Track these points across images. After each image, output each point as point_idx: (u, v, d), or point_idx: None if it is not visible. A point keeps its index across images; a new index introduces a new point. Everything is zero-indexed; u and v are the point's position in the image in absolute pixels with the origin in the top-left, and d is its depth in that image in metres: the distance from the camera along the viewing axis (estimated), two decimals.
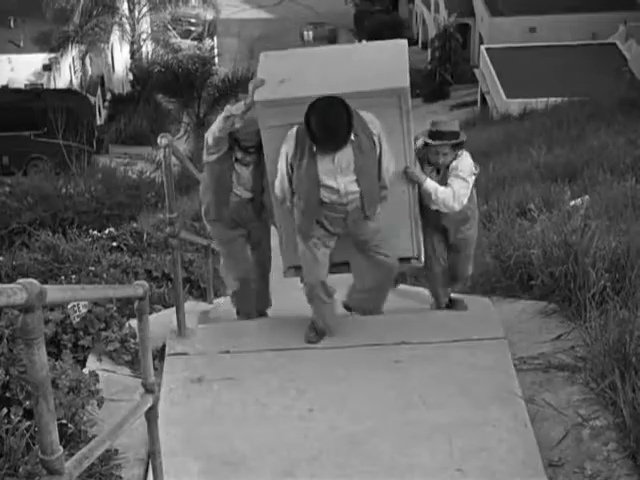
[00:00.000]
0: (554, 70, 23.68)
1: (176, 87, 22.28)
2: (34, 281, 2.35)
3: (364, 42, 5.61)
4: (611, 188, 8.83)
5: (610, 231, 6.05)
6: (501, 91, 24.50)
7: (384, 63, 4.71)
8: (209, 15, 35.36)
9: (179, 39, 31.63)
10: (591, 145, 12.72)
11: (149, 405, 3.51)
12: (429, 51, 33.06)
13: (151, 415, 3.57)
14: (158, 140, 4.78)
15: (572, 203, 7.68)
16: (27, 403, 3.88)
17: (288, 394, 4.59)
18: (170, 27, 32.09)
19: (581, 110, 17.13)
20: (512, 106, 22.69)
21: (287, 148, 4.51)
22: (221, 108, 24.14)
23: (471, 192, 5.12)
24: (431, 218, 5.17)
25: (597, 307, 5.03)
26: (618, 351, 4.42)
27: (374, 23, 37.62)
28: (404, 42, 4.95)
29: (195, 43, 32.84)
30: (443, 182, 4.97)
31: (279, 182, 4.64)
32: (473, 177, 5.08)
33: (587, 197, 8.05)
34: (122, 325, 5.33)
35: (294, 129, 4.48)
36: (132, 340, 5.22)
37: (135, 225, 8.74)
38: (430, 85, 31.31)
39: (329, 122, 4.26)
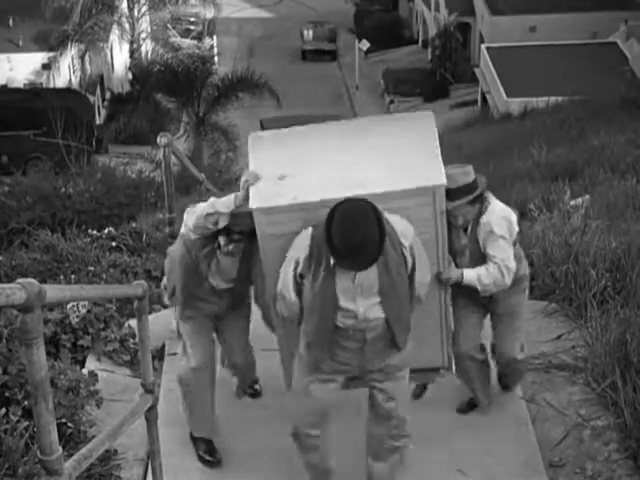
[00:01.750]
0: (555, 69, 23.66)
1: (176, 86, 22.23)
2: (33, 281, 2.34)
3: (386, 116, 4.26)
4: (612, 188, 8.82)
5: (611, 231, 6.04)
6: (501, 90, 24.48)
7: (411, 149, 3.77)
8: (209, 14, 35.32)
9: (179, 38, 31.60)
10: (591, 144, 12.71)
11: (148, 405, 3.50)
12: (429, 50, 33.03)
13: (150, 415, 3.56)
14: (158, 139, 4.77)
15: (572, 203, 7.68)
16: (26, 403, 3.88)
17: None
18: (170, 26, 32.06)
19: (582, 109, 17.12)
20: (512, 105, 22.67)
21: (297, 254, 3.53)
22: (221, 108, 24.11)
23: (515, 246, 4.17)
24: (463, 289, 4.11)
25: (598, 307, 5.02)
26: (619, 351, 4.41)
27: (374, 22, 37.60)
28: (430, 115, 3.96)
29: (195, 42, 32.82)
30: (474, 239, 4.06)
31: (284, 297, 3.63)
32: (513, 226, 4.09)
33: (587, 197, 8.04)
34: (121, 325, 5.32)
35: (309, 231, 3.51)
36: (131, 340, 5.21)
37: (134, 225, 8.72)
38: (430, 84, 31.31)
39: (357, 236, 3.30)
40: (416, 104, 31.12)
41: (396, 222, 3.50)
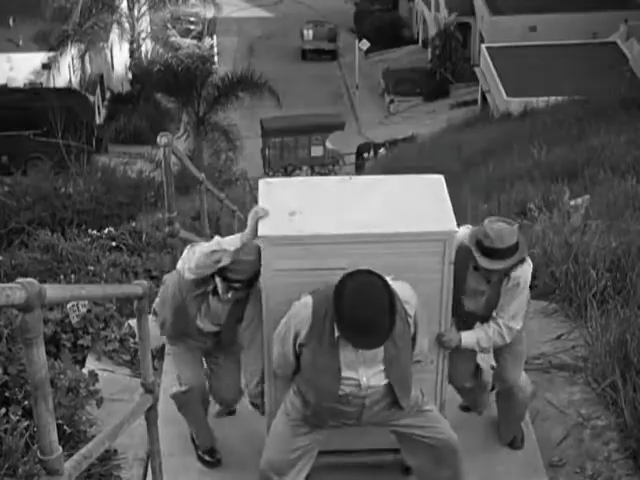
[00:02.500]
0: (555, 69, 23.66)
1: (176, 86, 22.25)
2: (33, 280, 2.34)
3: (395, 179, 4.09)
4: (611, 188, 8.82)
5: (610, 231, 6.04)
6: (501, 90, 24.48)
7: (421, 199, 3.79)
8: (209, 14, 35.34)
9: (179, 38, 31.60)
10: (591, 144, 12.71)
11: (149, 405, 3.50)
12: (429, 50, 33.06)
13: (150, 415, 3.56)
14: (158, 139, 4.76)
15: (572, 203, 7.68)
16: (26, 403, 3.87)
17: None
18: (170, 26, 32.06)
19: (582, 109, 17.12)
20: (512, 105, 22.68)
21: (298, 325, 3.39)
22: (221, 108, 24.09)
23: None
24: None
25: (598, 307, 5.02)
26: (619, 351, 4.41)
27: (374, 22, 37.62)
28: (440, 178, 3.95)
29: (195, 42, 32.82)
30: (497, 289, 3.85)
31: (280, 365, 3.57)
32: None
33: (587, 196, 8.05)
34: (121, 325, 5.32)
35: (309, 300, 3.37)
36: (131, 340, 5.22)
37: (134, 224, 8.73)
38: (430, 84, 31.33)
39: (367, 314, 3.15)
40: (416, 104, 31.15)
41: (401, 290, 3.37)
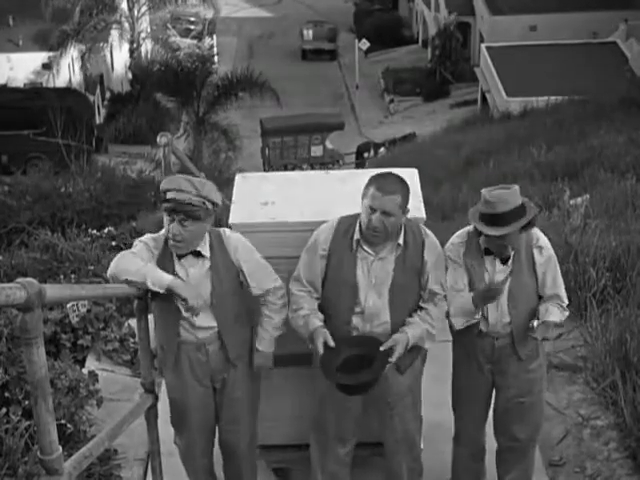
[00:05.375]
0: (554, 69, 23.65)
1: (175, 86, 22.25)
2: (33, 280, 2.34)
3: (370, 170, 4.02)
4: (611, 187, 8.82)
5: (610, 230, 6.04)
6: (501, 90, 24.47)
7: None
8: (208, 14, 35.33)
9: (178, 38, 31.59)
10: (591, 144, 12.71)
11: (148, 405, 3.50)
12: (429, 50, 33.05)
13: (150, 415, 3.56)
14: (157, 139, 4.77)
15: (572, 202, 7.68)
16: (26, 403, 3.87)
17: None
18: (169, 26, 32.07)
19: (582, 109, 17.11)
20: (512, 105, 22.65)
21: (321, 234, 3.53)
22: (221, 108, 24.13)
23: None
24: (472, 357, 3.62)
25: (597, 306, 5.02)
26: (619, 351, 4.42)
27: (374, 22, 37.61)
28: (414, 171, 4.03)
29: (194, 42, 32.82)
30: (521, 271, 3.49)
31: (305, 275, 3.54)
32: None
33: (587, 196, 8.05)
34: (121, 324, 5.32)
35: (334, 219, 3.55)
36: (131, 339, 5.22)
37: (134, 224, 8.72)
38: (430, 84, 31.31)
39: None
40: (416, 104, 31.14)
41: (429, 236, 3.53)
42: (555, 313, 3.47)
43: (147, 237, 3.49)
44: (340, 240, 3.46)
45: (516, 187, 3.47)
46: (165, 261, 3.41)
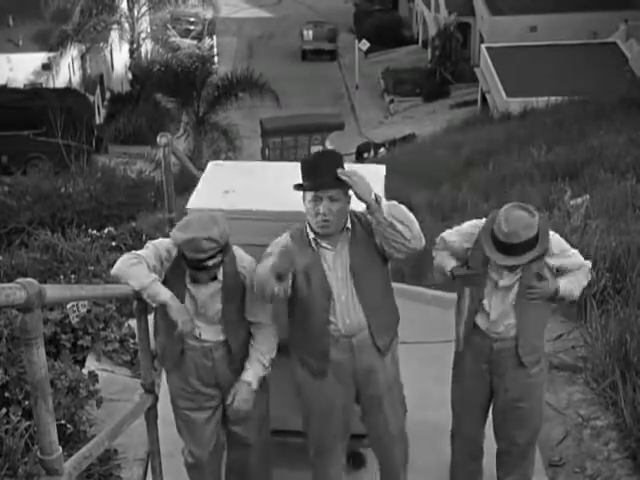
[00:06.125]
0: (554, 69, 23.65)
1: (175, 86, 22.24)
2: (33, 281, 2.34)
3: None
4: (611, 187, 8.82)
5: (610, 231, 6.04)
6: (501, 90, 24.47)
7: None
8: (208, 14, 35.34)
9: (178, 38, 31.59)
10: (591, 144, 12.71)
11: (148, 405, 3.50)
12: (429, 50, 33.04)
13: (150, 415, 3.56)
14: (157, 139, 4.76)
15: (572, 202, 7.68)
16: (26, 403, 3.87)
17: None
18: (169, 26, 32.06)
19: (582, 109, 17.12)
20: (512, 105, 22.64)
21: (275, 247, 3.43)
22: (221, 108, 24.15)
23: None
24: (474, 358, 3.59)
25: (598, 307, 5.02)
26: (619, 351, 4.42)
27: (374, 22, 37.62)
28: (382, 168, 4.12)
29: (194, 42, 32.82)
30: (530, 276, 3.41)
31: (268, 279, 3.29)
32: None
33: (587, 196, 8.05)
34: (121, 325, 5.32)
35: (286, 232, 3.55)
36: (131, 340, 5.22)
37: (134, 225, 8.72)
38: (430, 84, 31.31)
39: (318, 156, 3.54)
40: (416, 104, 31.14)
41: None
42: (568, 289, 3.48)
43: (161, 245, 3.46)
44: (299, 244, 3.43)
45: (537, 216, 3.32)
46: (175, 276, 3.42)
